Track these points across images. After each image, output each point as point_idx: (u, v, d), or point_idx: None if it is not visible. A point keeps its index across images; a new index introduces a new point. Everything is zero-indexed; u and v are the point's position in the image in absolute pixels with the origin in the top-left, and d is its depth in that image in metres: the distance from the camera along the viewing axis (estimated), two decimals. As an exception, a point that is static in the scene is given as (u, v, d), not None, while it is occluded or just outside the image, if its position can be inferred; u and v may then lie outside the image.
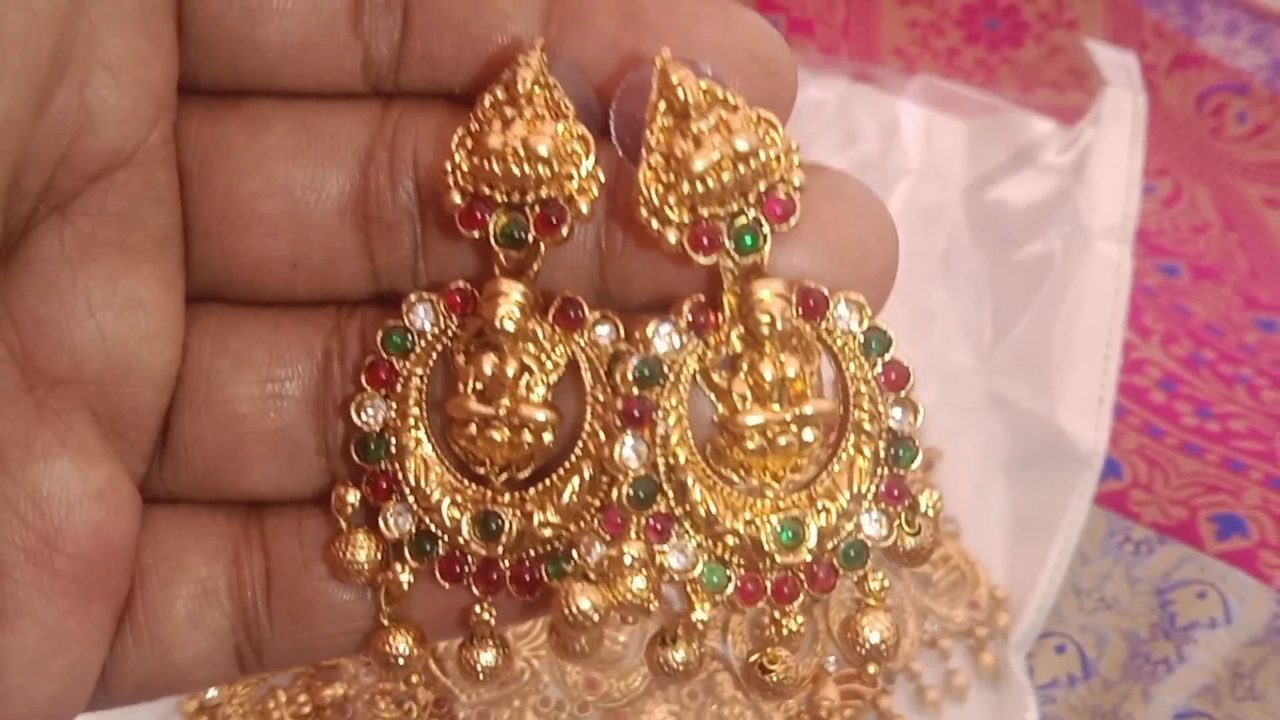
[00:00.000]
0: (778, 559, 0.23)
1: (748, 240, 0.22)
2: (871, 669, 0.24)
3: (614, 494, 0.23)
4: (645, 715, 0.46)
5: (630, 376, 0.23)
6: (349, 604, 0.25)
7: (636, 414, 0.22)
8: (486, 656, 0.24)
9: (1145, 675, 0.48)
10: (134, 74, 0.22)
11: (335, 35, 0.23)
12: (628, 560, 0.22)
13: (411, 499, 0.24)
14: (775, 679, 0.23)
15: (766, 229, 0.22)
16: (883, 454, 0.23)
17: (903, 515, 0.23)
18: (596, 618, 0.22)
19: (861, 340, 0.23)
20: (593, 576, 0.23)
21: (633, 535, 0.23)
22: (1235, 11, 0.74)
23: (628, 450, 0.22)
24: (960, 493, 0.52)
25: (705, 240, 0.22)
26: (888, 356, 0.24)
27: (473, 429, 0.23)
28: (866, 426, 0.23)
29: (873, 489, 0.23)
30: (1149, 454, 0.53)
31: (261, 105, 0.24)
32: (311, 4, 0.23)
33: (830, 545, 0.23)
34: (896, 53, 0.71)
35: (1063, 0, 0.73)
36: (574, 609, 0.22)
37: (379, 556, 0.24)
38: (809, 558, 0.23)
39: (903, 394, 0.24)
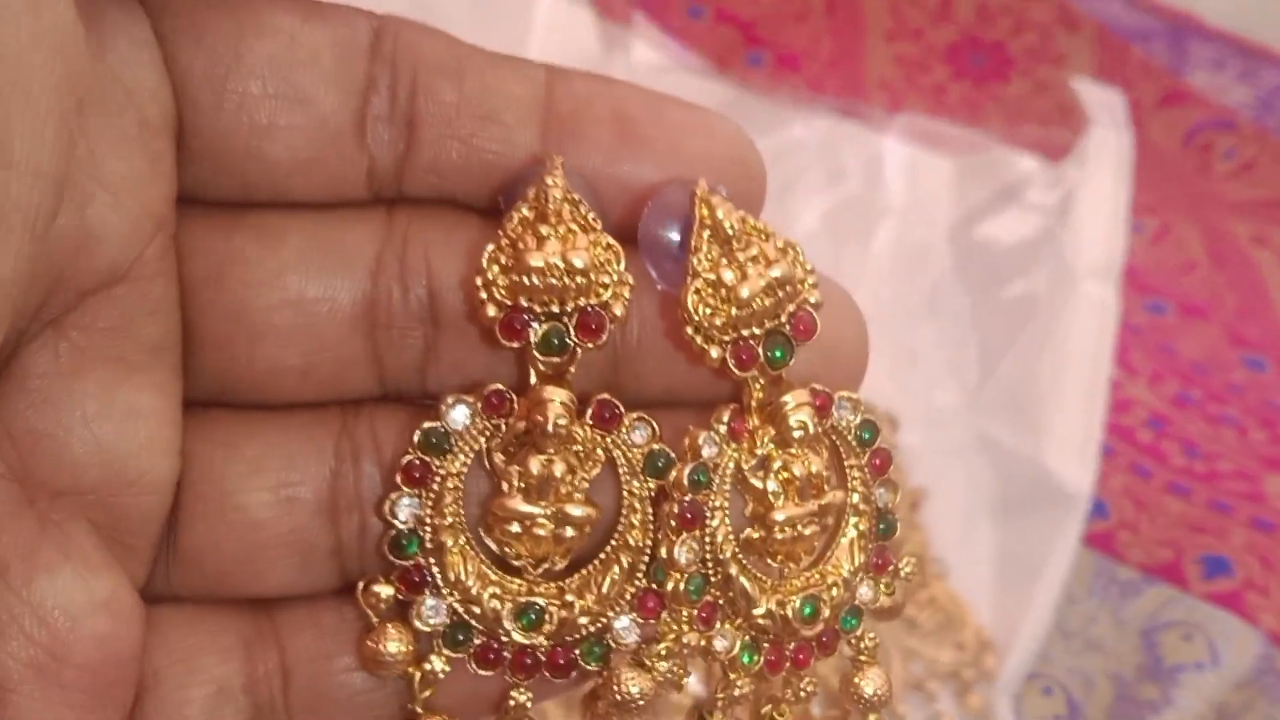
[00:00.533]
0: (802, 633, 0.25)
1: (779, 355, 0.25)
2: (872, 718, 0.26)
3: (670, 587, 0.24)
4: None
5: (685, 482, 0.24)
6: (371, 695, 0.25)
7: (689, 516, 0.24)
8: None
9: (1132, 718, 0.48)
10: (134, 194, 0.23)
11: (341, 149, 0.24)
12: (686, 647, 0.25)
13: (447, 592, 0.24)
14: None
15: (794, 346, 0.25)
16: (872, 530, 0.26)
17: (885, 581, 0.26)
18: (644, 701, 0.24)
19: (855, 432, 0.26)
20: (648, 663, 0.25)
21: (685, 626, 0.25)
22: (1222, 47, 0.74)
23: (681, 551, 0.24)
24: (947, 533, 0.52)
25: (744, 356, 0.24)
26: (875, 444, 0.26)
27: (516, 527, 0.24)
28: (862, 507, 0.26)
29: (863, 561, 0.26)
30: (1136, 494, 0.53)
31: (270, 217, 0.24)
32: (318, 121, 0.24)
33: (837, 615, 0.26)
34: (882, 88, 0.71)
35: (1050, 36, 0.73)
36: (626, 693, 0.24)
37: (411, 649, 0.24)
38: (821, 628, 0.25)
39: (887, 476, 0.26)
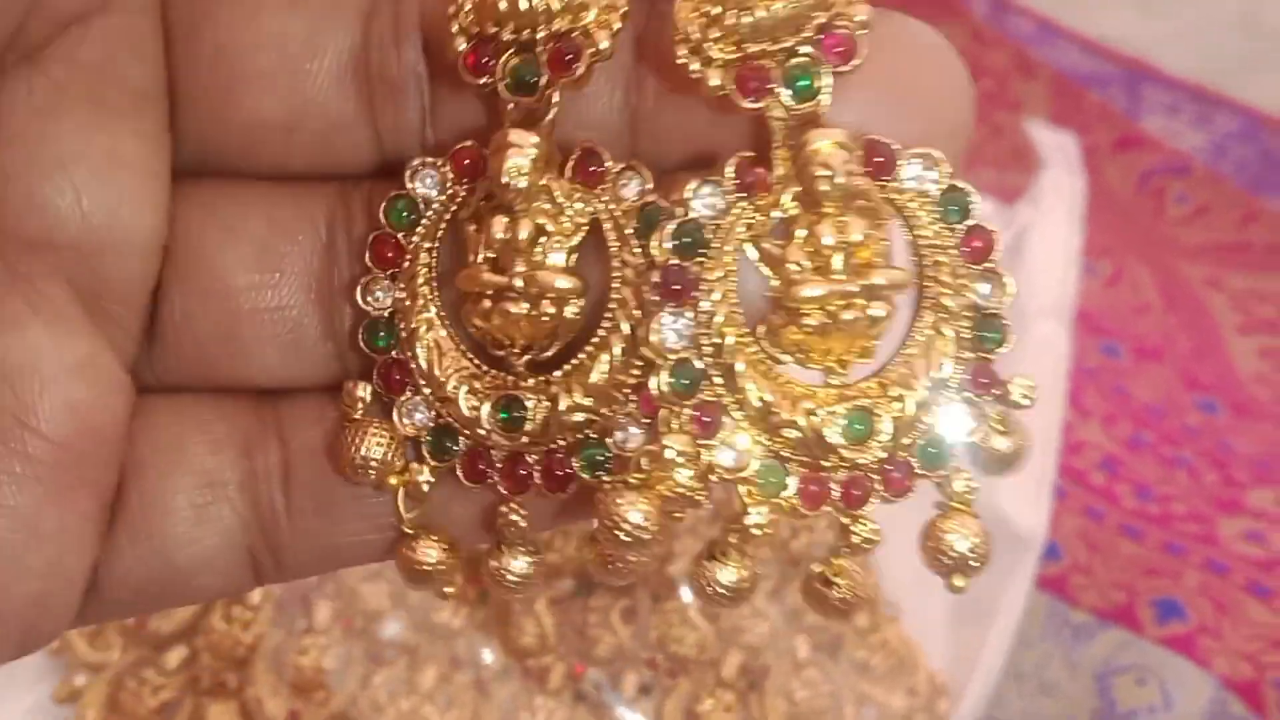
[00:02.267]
0: (845, 455, 0.19)
1: (803, 83, 0.19)
2: (958, 581, 0.21)
3: (652, 381, 0.20)
4: None
5: (667, 244, 0.20)
6: (380, 502, 0.22)
7: (676, 286, 0.19)
8: (518, 564, 0.21)
9: (1085, 764, 0.47)
10: None
11: None
12: (670, 455, 0.19)
13: (426, 389, 0.21)
14: (839, 594, 0.21)
15: (825, 70, 0.19)
16: (966, 335, 0.20)
17: (991, 407, 0.20)
18: (649, 533, 0.19)
19: (938, 202, 0.20)
20: (634, 479, 0.19)
21: (674, 427, 0.19)
22: (1177, 93, 0.75)
23: (667, 330, 0.19)
24: (900, 576, 0.52)
25: (754, 82, 0.19)
26: (970, 221, 0.20)
27: (487, 304, 0.20)
28: (947, 302, 0.20)
29: (956, 375, 0.20)
30: (1089, 537, 0.53)
31: None
32: None
33: (906, 441, 0.20)
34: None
35: (1006, 82, 0.74)
36: (623, 523, 0.19)
37: (393, 455, 0.21)
38: (883, 455, 0.19)
39: (988, 265, 0.20)
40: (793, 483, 0.19)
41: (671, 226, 0.19)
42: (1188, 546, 0.52)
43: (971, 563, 0.20)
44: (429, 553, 0.21)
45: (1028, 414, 0.54)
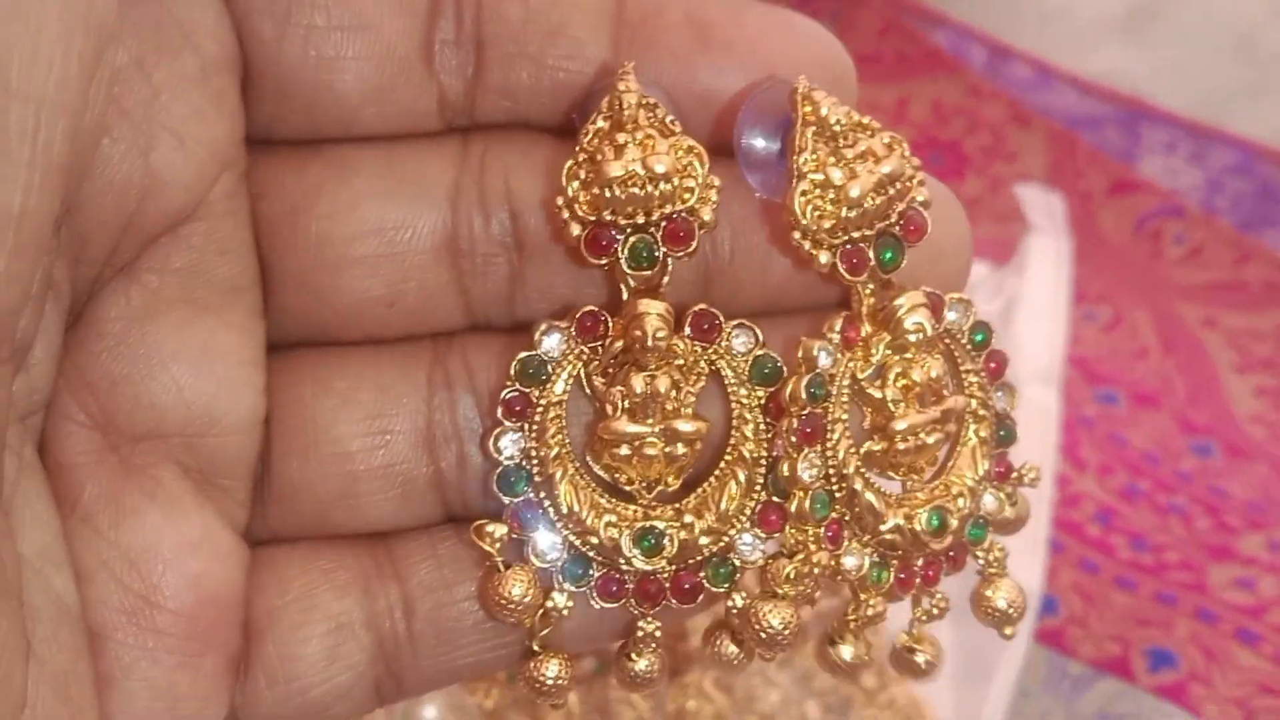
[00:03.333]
0: (931, 546, 0.24)
1: (890, 257, 0.23)
2: (1008, 630, 0.26)
3: (794, 506, 0.23)
4: None
5: (803, 395, 0.23)
6: (498, 624, 0.24)
7: (809, 430, 0.23)
8: (643, 664, 0.24)
9: (1084, 812, 0.50)
10: (198, 135, 0.22)
11: (411, 76, 0.23)
12: (816, 568, 0.23)
13: (561, 525, 0.24)
14: (924, 660, 0.26)
15: (905, 246, 0.23)
16: (992, 436, 0.25)
17: (1006, 490, 0.25)
18: (789, 632, 0.23)
19: (968, 335, 0.25)
20: (784, 590, 0.23)
21: (813, 545, 0.23)
22: (1173, 130, 0.77)
23: (804, 467, 0.23)
24: (905, 635, 0.55)
25: (856, 260, 0.23)
26: (990, 347, 0.25)
27: (625, 449, 0.23)
28: (981, 412, 0.25)
29: (988, 469, 0.25)
30: (1085, 589, 0.56)
31: (344, 151, 0.24)
32: (385, 48, 0.23)
33: (964, 528, 0.25)
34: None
35: (1002, 134, 0.77)
36: (768, 626, 0.23)
37: (532, 591, 0.23)
38: (950, 541, 0.24)
39: (1004, 380, 0.25)
40: (889, 575, 0.24)
41: (806, 380, 0.23)
42: (1179, 596, 0.55)
43: (1013, 615, 0.25)
44: (551, 667, 0.24)
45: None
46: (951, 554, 0.24)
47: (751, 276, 0.24)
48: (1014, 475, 0.25)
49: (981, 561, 0.25)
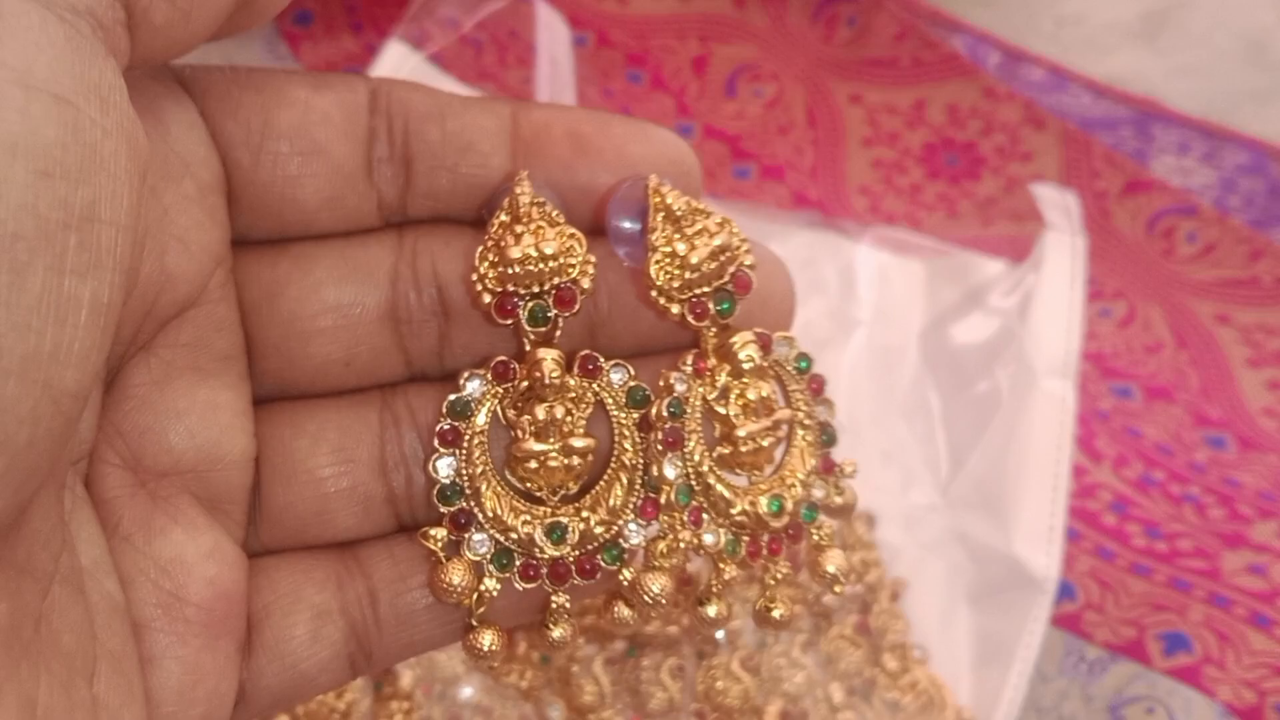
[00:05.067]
0: (771, 525, 0.30)
1: (725, 307, 0.30)
2: (837, 589, 0.31)
3: (662, 498, 0.30)
4: None
5: (665, 413, 0.30)
6: (443, 609, 0.31)
7: (671, 440, 0.30)
8: (559, 632, 0.31)
9: (1101, 790, 0.51)
10: (199, 241, 0.29)
11: (356, 186, 0.30)
12: (680, 544, 0.30)
13: (488, 526, 0.30)
14: (779, 614, 0.31)
15: (737, 299, 0.31)
16: (817, 440, 0.32)
17: (833, 481, 0.32)
18: (665, 596, 0.29)
19: (793, 363, 0.32)
20: (657, 561, 0.30)
21: (682, 525, 0.30)
22: (1186, 131, 0.79)
23: (669, 468, 0.30)
24: (926, 621, 0.56)
25: (699, 310, 0.30)
26: (811, 372, 0.32)
27: (533, 464, 0.30)
28: (806, 422, 0.32)
29: (814, 465, 0.31)
30: (1101, 576, 0.57)
31: (306, 247, 0.31)
32: (334, 167, 0.30)
33: (799, 510, 0.31)
34: (863, 191, 0.76)
35: (1017, 135, 0.78)
36: (650, 591, 0.29)
37: (468, 578, 0.30)
38: (787, 521, 0.31)
39: (823, 397, 0.32)
40: (741, 548, 0.31)
41: (665, 401, 0.30)
42: (1193, 582, 0.56)
43: (840, 577, 0.31)
44: (486, 638, 0.30)
45: (1036, 465, 0.58)
46: (790, 531, 0.31)
47: (625, 327, 0.31)
48: (837, 469, 0.32)
49: (815, 537, 0.31)
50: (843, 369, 0.62)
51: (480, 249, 0.30)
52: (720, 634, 0.53)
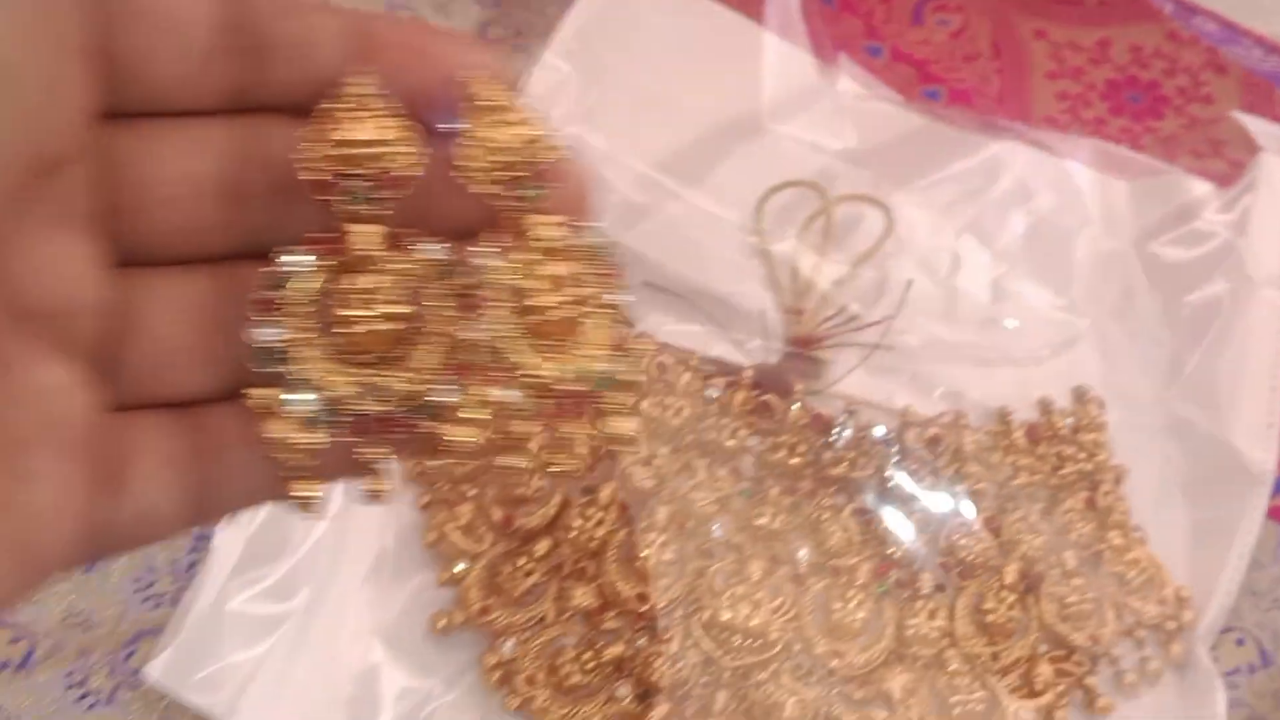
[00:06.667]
0: (562, 388, 0.32)
1: (532, 192, 0.32)
2: (617, 448, 0.32)
3: (466, 359, 0.31)
4: (884, 682, 0.52)
5: (470, 282, 0.31)
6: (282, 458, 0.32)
7: (474, 306, 0.31)
8: (380, 486, 0.32)
9: (1322, 665, 0.54)
10: (71, 97, 0.29)
11: (204, 70, 0.31)
12: (483, 398, 0.31)
13: (310, 388, 0.31)
14: (558, 469, 0.32)
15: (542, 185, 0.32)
16: (611, 319, 0.33)
17: (624, 357, 0.33)
18: (473, 443, 0.31)
19: (598, 249, 0.33)
20: (463, 415, 0.31)
21: (483, 384, 0.31)
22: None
23: (472, 331, 0.31)
24: (1144, 506, 0.59)
25: (506, 192, 0.31)
26: (612, 257, 0.33)
27: (358, 327, 0.31)
28: (604, 300, 0.32)
29: (608, 340, 0.32)
30: (1313, 474, 0.60)
31: (155, 122, 0.31)
32: (184, 50, 0.31)
33: (593, 378, 0.32)
34: (1047, 121, 0.79)
35: (1199, 78, 0.81)
36: (460, 442, 0.31)
37: (295, 432, 0.31)
38: (583, 386, 0.32)
39: (621, 280, 0.33)
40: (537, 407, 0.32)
41: (472, 270, 0.31)
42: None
43: (623, 438, 0.32)
44: (306, 489, 0.32)
45: (1255, 367, 0.60)
46: (581, 397, 0.32)
47: (449, 214, 0.32)
48: (626, 345, 0.32)
49: (605, 404, 0.32)
50: (1068, 271, 0.64)
51: (309, 130, 0.31)
52: (964, 499, 0.56)
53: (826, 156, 0.67)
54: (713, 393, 0.56)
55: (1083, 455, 0.58)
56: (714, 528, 0.55)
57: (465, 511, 0.56)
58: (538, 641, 0.53)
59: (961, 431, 0.56)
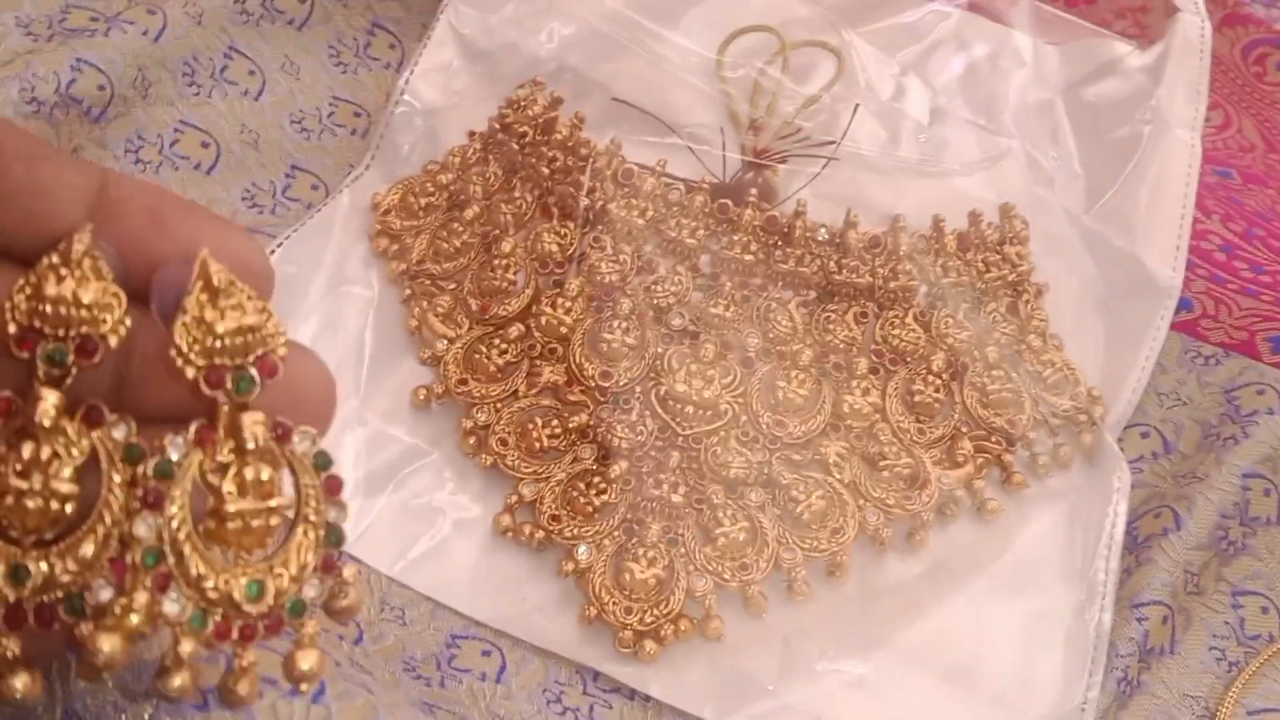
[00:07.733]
0: (245, 609, 0.29)
1: (243, 386, 0.30)
2: (303, 688, 0.30)
3: (128, 557, 0.28)
4: (821, 448, 0.58)
5: (150, 472, 0.29)
6: None
7: (151, 500, 0.29)
8: (17, 683, 0.29)
9: (1216, 448, 0.60)
10: None
11: None
12: (136, 606, 0.29)
13: None
14: (243, 693, 0.30)
15: (258, 380, 0.30)
16: (322, 539, 0.30)
17: (334, 583, 0.31)
18: (117, 658, 0.27)
19: (312, 460, 0.31)
20: (109, 622, 0.28)
21: (142, 589, 0.28)
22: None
23: (140, 526, 0.29)
24: (1063, 318, 0.64)
25: (213, 379, 0.29)
26: (330, 472, 0.31)
27: (10, 500, 0.28)
28: (312, 518, 0.30)
29: (314, 563, 0.30)
30: (1214, 294, 0.66)
31: None
32: None
33: (282, 602, 0.30)
34: None
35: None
36: (101, 652, 0.27)
37: None
38: (267, 609, 0.29)
39: (338, 499, 0.31)
40: (209, 625, 0.30)
41: (153, 461, 0.30)
42: (1296, 302, 0.65)
43: (309, 676, 0.30)
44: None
45: (1168, 197, 0.66)
46: (268, 622, 0.30)
47: (154, 394, 0.31)
48: (337, 573, 0.30)
49: (295, 635, 0.31)
50: (1003, 113, 0.69)
51: (20, 281, 0.29)
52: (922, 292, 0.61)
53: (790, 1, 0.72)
54: (674, 196, 0.62)
55: (1006, 266, 0.63)
56: (672, 319, 0.60)
57: (444, 301, 0.61)
58: (509, 411, 0.58)
59: (898, 234, 0.61)
